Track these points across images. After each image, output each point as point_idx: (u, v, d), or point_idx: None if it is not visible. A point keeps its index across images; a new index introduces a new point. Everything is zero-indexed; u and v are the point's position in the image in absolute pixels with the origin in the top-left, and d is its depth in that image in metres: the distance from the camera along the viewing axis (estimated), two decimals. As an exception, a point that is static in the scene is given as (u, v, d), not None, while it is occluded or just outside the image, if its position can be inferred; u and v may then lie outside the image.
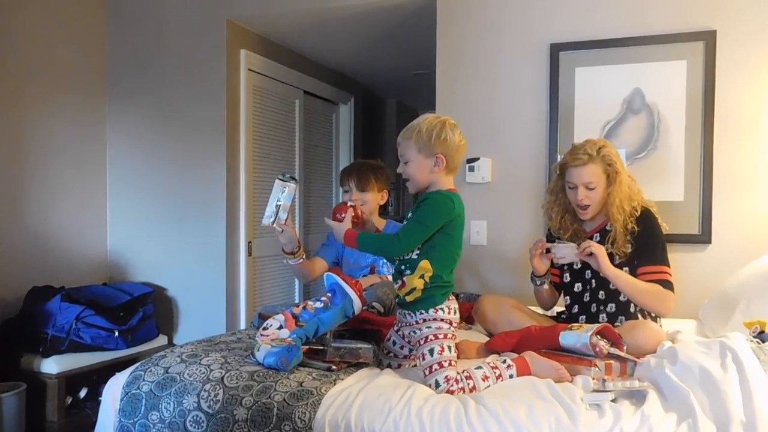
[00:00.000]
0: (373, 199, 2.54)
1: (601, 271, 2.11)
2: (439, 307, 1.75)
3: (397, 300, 1.82)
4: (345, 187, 2.56)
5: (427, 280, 1.73)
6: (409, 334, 1.80)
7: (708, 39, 2.63)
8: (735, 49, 2.62)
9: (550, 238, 2.40)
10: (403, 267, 1.77)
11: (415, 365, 1.84)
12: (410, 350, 1.85)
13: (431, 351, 1.70)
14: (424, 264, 1.74)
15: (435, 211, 1.73)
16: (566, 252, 2.16)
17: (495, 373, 1.69)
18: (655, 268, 2.17)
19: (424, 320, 1.75)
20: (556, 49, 2.84)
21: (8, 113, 3.05)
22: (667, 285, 2.15)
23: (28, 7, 3.14)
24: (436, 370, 1.67)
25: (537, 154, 2.90)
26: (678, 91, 2.69)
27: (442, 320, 1.74)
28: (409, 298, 1.75)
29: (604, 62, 2.78)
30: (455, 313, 1.78)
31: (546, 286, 2.34)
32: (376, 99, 5.66)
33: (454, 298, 1.81)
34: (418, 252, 1.76)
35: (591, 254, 2.10)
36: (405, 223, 1.78)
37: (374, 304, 2.21)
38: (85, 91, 3.47)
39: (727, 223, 2.65)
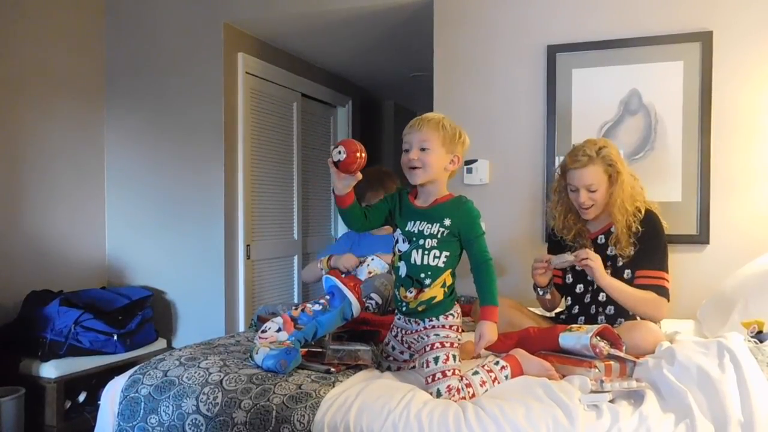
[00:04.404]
0: None
1: (597, 281, 2.11)
2: (449, 312, 1.75)
3: (404, 309, 1.77)
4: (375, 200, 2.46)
5: (447, 289, 1.74)
6: (415, 341, 1.78)
7: (704, 40, 2.64)
8: (731, 50, 2.63)
9: (553, 238, 2.41)
10: (423, 275, 1.71)
11: (413, 367, 1.84)
12: (411, 355, 1.84)
13: (436, 359, 1.68)
14: (447, 274, 1.73)
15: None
16: (564, 263, 2.19)
17: (491, 376, 1.69)
18: (652, 273, 2.16)
19: (433, 327, 1.73)
20: (553, 51, 2.84)
21: (6, 117, 3.05)
22: (662, 292, 2.15)
23: (26, 11, 3.14)
24: (439, 379, 1.65)
25: (535, 155, 2.90)
26: (675, 92, 2.70)
27: (450, 327, 1.74)
28: (420, 308, 1.73)
29: (601, 63, 2.78)
30: (459, 316, 1.78)
31: (548, 296, 2.34)
32: (373, 101, 5.66)
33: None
34: (444, 261, 1.71)
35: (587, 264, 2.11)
36: (478, 244, 1.73)
37: (372, 295, 2.20)
38: (82, 94, 3.47)
39: (725, 223, 2.65)
